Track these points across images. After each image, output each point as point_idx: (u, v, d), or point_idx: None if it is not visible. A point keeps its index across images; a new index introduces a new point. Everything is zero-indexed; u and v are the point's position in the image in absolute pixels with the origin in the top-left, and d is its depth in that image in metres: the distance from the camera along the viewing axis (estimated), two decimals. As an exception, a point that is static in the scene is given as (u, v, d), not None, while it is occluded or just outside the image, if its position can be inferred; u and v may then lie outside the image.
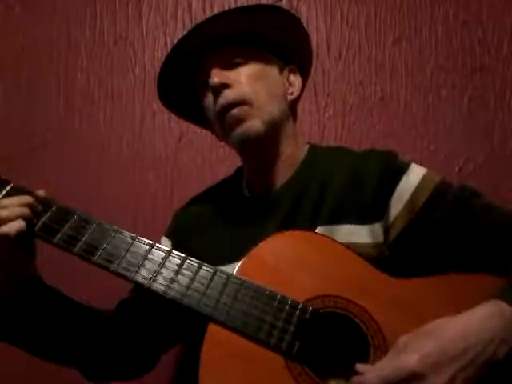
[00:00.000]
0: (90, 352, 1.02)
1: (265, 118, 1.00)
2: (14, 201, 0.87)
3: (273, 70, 1.06)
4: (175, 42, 1.04)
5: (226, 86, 0.99)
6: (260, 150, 1.03)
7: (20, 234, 0.84)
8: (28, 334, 0.96)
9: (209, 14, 1.58)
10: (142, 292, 1.02)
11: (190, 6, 1.61)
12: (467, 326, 0.74)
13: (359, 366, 0.77)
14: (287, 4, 1.59)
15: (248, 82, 1.00)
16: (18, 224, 0.84)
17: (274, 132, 1.02)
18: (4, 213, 0.84)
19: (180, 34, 1.54)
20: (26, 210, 0.87)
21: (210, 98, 1.03)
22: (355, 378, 0.75)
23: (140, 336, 1.06)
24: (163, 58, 1.05)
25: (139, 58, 1.62)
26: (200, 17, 1.59)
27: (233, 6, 1.59)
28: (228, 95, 0.99)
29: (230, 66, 1.02)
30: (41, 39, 1.64)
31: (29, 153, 1.60)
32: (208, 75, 1.01)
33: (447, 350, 0.72)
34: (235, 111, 0.98)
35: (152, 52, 1.62)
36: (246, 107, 0.99)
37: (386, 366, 0.73)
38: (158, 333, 1.07)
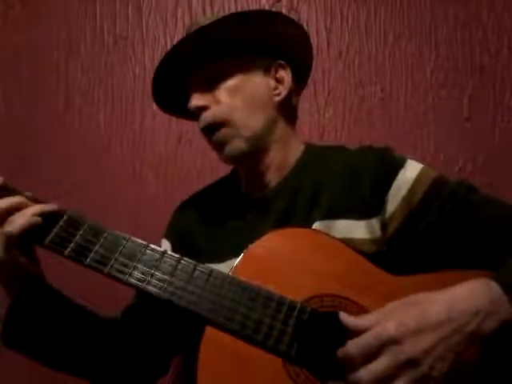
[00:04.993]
0: (97, 360, 1.00)
1: (246, 134, 1.00)
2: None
3: (255, 75, 1.03)
4: (172, 44, 1.03)
5: (203, 108, 1.00)
6: (249, 161, 1.04)
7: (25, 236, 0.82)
8: (33, 340, 0.93)
9: (209, 13, 1.60)
10: (145, 297, 1.01)
11: (190, 5, 1.61)
12: (452, 298, 0.75)
13: (343, 316, 0.78)
14: (287, 4, 1.59)
15: (226, 100, 1.00)
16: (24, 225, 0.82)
17: (259, 143, 1.02)
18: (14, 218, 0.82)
19: (180, 33, 1.57)
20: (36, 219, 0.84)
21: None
22: (339, 350, 0.76)
23: (148, 341, 1.04)
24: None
25: (139, 58, 1.62)
26: (200, 17, 1.59)
27: (232, 5, 1.60)
28: (206, 117, 1.00)
29: (208, 85, 1.01)
30: (41, 39, 1.64)
31: (29, 153, 1.60)
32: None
33: (429, 319, 0.73)
34: (215, 137, 1.00)
35: (152, 52, 1.61)
36: (225, 129, 0.99)
37: (368, 331, 0.74)
38: (164, 337, 1.06)
